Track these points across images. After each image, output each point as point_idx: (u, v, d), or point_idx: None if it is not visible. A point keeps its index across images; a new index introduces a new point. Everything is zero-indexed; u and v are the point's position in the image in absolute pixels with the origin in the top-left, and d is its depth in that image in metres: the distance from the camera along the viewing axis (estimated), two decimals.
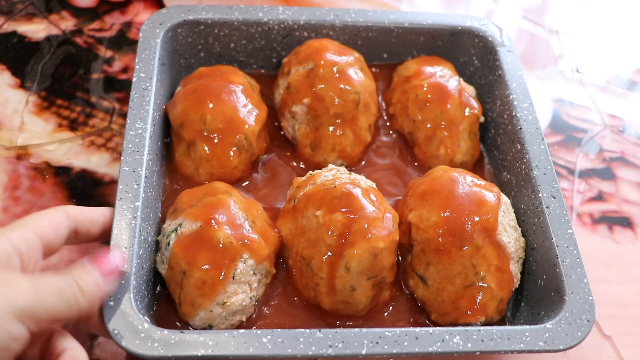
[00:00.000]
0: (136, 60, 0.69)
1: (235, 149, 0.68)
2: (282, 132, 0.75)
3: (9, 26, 0.86)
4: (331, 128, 0.71)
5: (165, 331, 0.52)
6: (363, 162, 0.74)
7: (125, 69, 0.83)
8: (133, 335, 0.51)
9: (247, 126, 0.68)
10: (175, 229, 0.59)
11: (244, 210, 0.61)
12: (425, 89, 0.73)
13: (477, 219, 0.60)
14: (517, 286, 0.63)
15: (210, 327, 0.58)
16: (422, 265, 0.61)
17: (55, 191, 0.71)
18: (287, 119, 0.73)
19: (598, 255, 0.73)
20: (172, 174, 0.70)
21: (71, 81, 0.81)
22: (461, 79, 0.76)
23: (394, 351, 0.52)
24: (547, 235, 0.61)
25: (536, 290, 0.62)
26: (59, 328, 0.51)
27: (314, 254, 0.59)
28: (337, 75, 0.70)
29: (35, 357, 0.50)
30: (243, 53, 0.78)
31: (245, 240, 0.58)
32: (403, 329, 0.54)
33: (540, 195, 0.64)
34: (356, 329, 0.53)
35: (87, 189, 0.72)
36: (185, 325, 0.59)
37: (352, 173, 0.65)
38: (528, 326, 0.55)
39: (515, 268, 0.62)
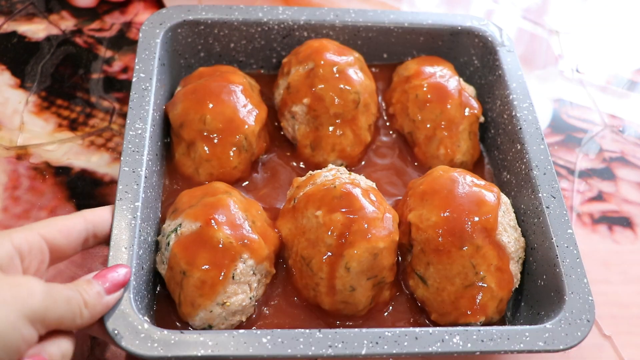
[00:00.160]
0: (136, 60, 0.69)
1: (235, 149, 0.68)
2: (282, 132, 0.75)
3: (9, 26, 0.86)
4: (331, 128, 0.71)
5: (165, 331, 0.52)
6: (363, 162, 0.74)
7: (125, 69, 0.83)
8: (133, 335, 0.51)
9: (247, 126, 0.68)
10: (175, 229, 0.59)
11: (244, 210, 0.61)
12: (425, 89, 0.73)
13: (477, 219, 0.60)
14: (517, 286, 0.63)
15: (210, 327, 0.58)
16: (422, 265, 0.61)
17: (55, 191, 0.71)
18: (287, 119, 0.73)
19: (598, 255, 0.73)
20: (172, 174, 0.70)
21: (71, 81, 0.81)
22: (461, 79, 0.76)
23: (394, 351, 0.52)
24: (547, 235, 0.61)
25: (536, 290, 0.62)
26: None
27: (314, 254, 0.59)
28: (337, 75, 0.70)
29: None
30: (243, 53, 0.78)
31: (245, 241, 0.58)
32: (403, 329, 0.54)
33: (540, 195, 0.64)
34: (356, 329, 0.53)
35: (87, 189, 0.72)
36: (185, 326, 0.59)
37: (352, 173, 0.65)
38: (528, 326, 0.55)
39: (515, 268, 0.62)
